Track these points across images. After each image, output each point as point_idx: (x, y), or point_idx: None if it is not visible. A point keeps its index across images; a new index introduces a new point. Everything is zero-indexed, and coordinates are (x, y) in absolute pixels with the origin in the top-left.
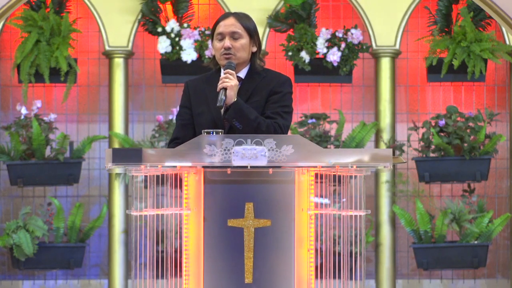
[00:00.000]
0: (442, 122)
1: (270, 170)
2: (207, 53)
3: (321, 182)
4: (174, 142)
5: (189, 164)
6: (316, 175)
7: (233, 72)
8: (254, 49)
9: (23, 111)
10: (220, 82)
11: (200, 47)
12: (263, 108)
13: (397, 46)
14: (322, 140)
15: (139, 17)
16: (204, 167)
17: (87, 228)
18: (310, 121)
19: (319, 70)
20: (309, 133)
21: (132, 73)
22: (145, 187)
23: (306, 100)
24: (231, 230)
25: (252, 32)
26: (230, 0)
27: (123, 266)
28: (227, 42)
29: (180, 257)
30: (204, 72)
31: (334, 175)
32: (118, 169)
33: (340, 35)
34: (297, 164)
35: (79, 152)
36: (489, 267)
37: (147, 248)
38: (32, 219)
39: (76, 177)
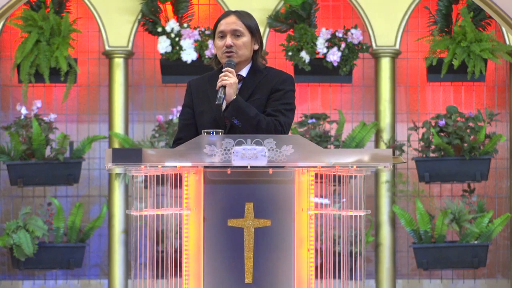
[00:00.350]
0: (442, 122)
1: (270, 170)
2: (207, 53)
3: (321, 182)
4: (176, 143)
5: (189, 164)
6: (316, 175)
7: (233, 70)
8: (256, 47)
9: (23, 111)
10: (219, 80)
11: (200, 47)
12: (265, 105)
13: (397, 46)
14: (322, 140)
15: (139, 17)
16: (204, 167)
17: (87, 228)
18: (310, 121)
19: (319, 70)
20: (309, 133)
21: (132, 73)
22: (145, 187)
23: (306, 100)
24: (231, 230)
25: (253, 30)
26: (230, 0)
27: (123, 266)
28: (229, 40)
29: (180, 257)
30: (203, 72)
31: (334, 175)
32: (118, 169)
33: (340, 35)
34: (297, 164)
35: (79, 152)
36: (489, 267)
37: (147, 248)
38: (32, 219)
39: (76, 177)
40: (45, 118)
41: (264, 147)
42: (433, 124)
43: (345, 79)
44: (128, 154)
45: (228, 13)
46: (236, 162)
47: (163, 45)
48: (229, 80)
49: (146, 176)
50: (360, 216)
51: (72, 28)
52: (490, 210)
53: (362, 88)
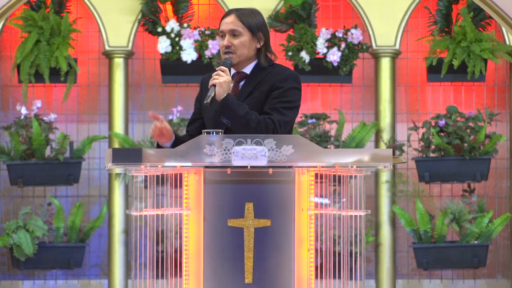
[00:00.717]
0: (442, 122)
1: (270, 170)
2: (207, 53)
3: (321, 182)
4: (185, 135)
5: (189, 164)
6: (316, 175)
7: (226, 69)
8: (259, 45)
9: (23, 111)
10: (211, 79)
11: (200, 47)
12: (263, 103)
13: (397, 46)
14: (322, 140)
15: (139, 17)
16: (204, 167)
17: (87, 228)
18: (310, 121)
19: (319, 70)
20: (309, 133)
21: (132, 73)
22: (145, 187)
23: (306, 100)
24: (231, 230)
25: (253, 29)
26: (230, 0)
27: (123, 266)
28: (226, 40)
29: (180, 257)
30: (203, 72)
31: (334, 175)
32: (118, 169)
33: (340, 35)
34: (297, 164)
35: (79, 152)
36: (489, 267)
37: (147, 248)
38: (32, 219)
39: (76, 177)
40: (45, 118)
41: (264, 147)
42: (433, 124)
43: (345, 79)
44: (128, 154)
45: (228, 12)
46: (236, 162)
47: (163, 45)
48: (219, 79)
49: (146, 176)
50: (360, 216)
51: (72, 28)
52: (490, 210)
53: (362, 88)
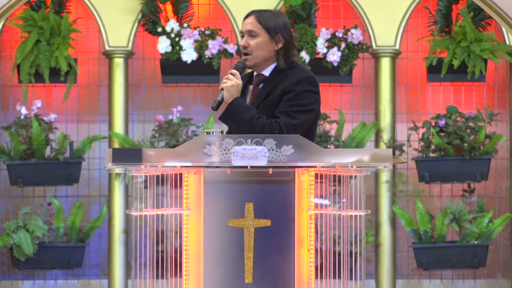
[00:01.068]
0: (442, 122)
1: (270, 170)
2: (207, 53)
3: (321, 182)
4: None
5: (189, 164)
6: (316, 175)
7: (236, 72)
8: (278, 46)
9: (23, 111)
10: (221, 82)
11: (200, 47)
12: (276, 106)
13: (397, 46)
14: (322, 140)
15: (139, 17)
16: (204, 167)
17: (87, 228)
18: None
19: (319, 70)
20: None
21: (132, 73)
22: (145, 187)
23: None
24: (231, 230)
25: (271, 30)
26: (230, 0)
27: (123, 266)
28: (244, 40)
29: (180, 257)
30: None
31: (334, 175)
32: (118, 169)
33: (340, 35)
34: (297, 164)
35: (79, 152)
36: (489, 267)
37: (147, 248)
38: (32, 219)
39: (76, 177)
40: (45, 118)
41: (264, 147)
42: (433, 124)
43: (345, 79)
44: (128, 154)
45: (249, 13)
46: (236, 162)
47: (163, 45)
48: (227, 83)
49: (146, 176)
50: (360, 216)
51: (72, 28)
52: (490, 210)
53: (362, 88)
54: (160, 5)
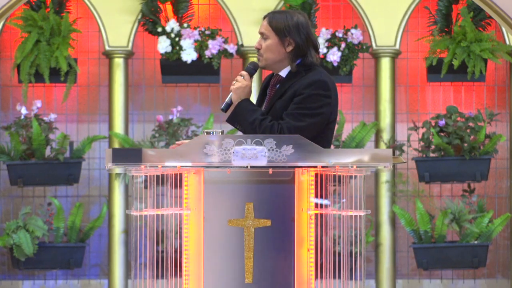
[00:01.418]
0: (442, 122)
1: (270, 170)
2: (207, 53)
3: (321, 182)
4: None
5: (189, 164)
6: (316, 175)
7: (246, 73)
8: (289, 48)
9: (23, 111)
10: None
11: (200, 47)
12: (285, 109)
13: (397, 46)
14: None
15: (139, 17)
16: (204, 167)
17: (87, 228)
18: None
19: None
20: None
21: (132, 73)
22: (145, 187)
23: None
24: (231, 230)
25: (281, 33)
26: (230, 0)
27: (123, 266)
28: (257, 42)
29: (180, 257)
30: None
31: (334, 175)
32: (118, 169)
33: (340, 35)
34: (297, 164)
35: (79, 152)
36: (489, 267)
37: (147, 248)
38: (32, 219)
39: (76, 177)
40: (45, 118)
41: (264, 147)
42: (433, 124)
43: (345, 79)
44: (128, 154)
45: (265, 15)
46: (236, 162)
47: (163, 45)
48: (235, 85)
49: (146, 176)
50: (360, 216)
51: (72, 28)
52: (490, 210)
53: (362, 88)
54: (160, 5)
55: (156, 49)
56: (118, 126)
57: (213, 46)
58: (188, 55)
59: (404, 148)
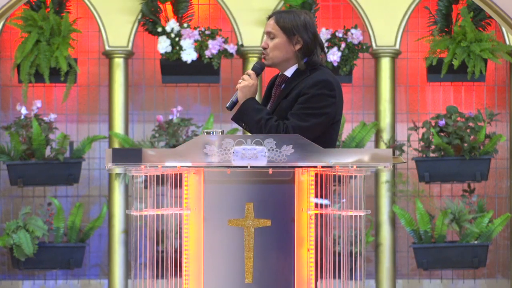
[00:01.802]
0: (442, 122)
1: (270, 170)
2: (207, 53)
3: (321, 182)
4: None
5: (189, 164)
6: (316, 175)
7: (252, 72)
8: (297, 47)
9: (23, 111)
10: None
11: (200, 47)
12: (290, 108)
13: (397, 46)
14: None
15: (139, 17)
16: (204, 167)
17: (87, 228)
18: None
19: None
20: None
21: (132, 73)
22: (145, 187)
23: None
24: (231, 230)
25: (289, 32)
26: (230, 0)
27: (123, 266)
28: (264, 41)
29: (180, 257)
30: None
31: (334, 175)
32: (118, 169)
33: (340, 35)
34: (297, 164)
35: (79, 152)
36: (489, 267)
37: (147, 248)
38: (32, 219)
39: (76, 177)
40: (45, 118)
41: (264, 147)
42: (433, 124)
43: (345, 79)
44: (128, 154)
45: (271, 15)
46: (236, 162)
47: (163, 45)
48: (242, 84)
49: (146, 176)
50: (360, 216)
51: (72, 28)
52: (490, 210)
53: (362, 88)
54: (160, 5)
55: (156, 49)
56: (118, 126)
57: (213, 46)
58: (188, 55)
59: (404, 148)
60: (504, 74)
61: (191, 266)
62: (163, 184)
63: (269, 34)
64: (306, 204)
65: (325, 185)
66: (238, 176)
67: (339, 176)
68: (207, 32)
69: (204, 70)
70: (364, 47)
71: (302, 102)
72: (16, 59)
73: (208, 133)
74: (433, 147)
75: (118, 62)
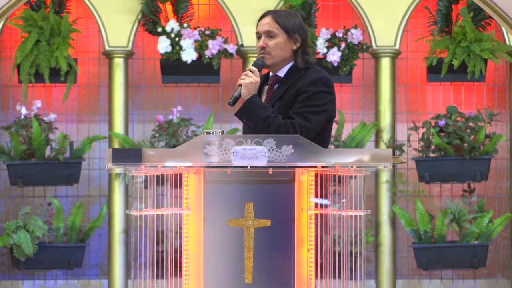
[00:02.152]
0: (442, 122)
1: (270, 170)
2: (207, 53)
3: (321, 182)
4: None
5: (189, 164)
6: (316, 175)
7: (255, 69)
8: (295, 46)
9: (23, 111)
10: (239, 78)
11: (200, 47)
12: (290, 107)
13: (397, 46)
14: None
15: (139, 17)
16: (204, 167)
17: (87, 228)
18: None
19: None
20: None
21: (132, 73)
22: (145, 187)
23: None
24: (231, 230)
25: (289, 30)
26: (230, 0)
27: (123, 266)
28: (261, 41)
29: (180, 257)
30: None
31: (334, 175)
32: (118, 169)
33: (340, 35)
34: (297, 164)
35: (79, 152)
36: (489, 267)
37: (147, 248)
38: (32, 219)
39: (76, 177)
40: (45, 118)
41: (264, 147)
42: (433, 124)
43: (345, 79)
44: (128, 154)
45: (265, 14)
46: (236, 162)
47: (163, 45)
48: (246, 80)
49: (146, 176)
50: (360, 216)
51: (72, 28)
52: (490, 210)
53: (362, 88)
54: (160, 5)
55: (156, 49)
56: (118, 126)
57: (213, 46)
58: (188, 55)
59: (404, 148)
60: (504, 74)
61: (191, 266)
62: (163, 184)
63: (268, 33)
64: (306, 204)
65: (325, 185)
66: (238, 176)
67: (339, 176)
68: (207, 32)
69: (204, 70)
70: (364, 47)
71: (304, 100)
72: (16, 59)
73: (208, 133)
74: (433, 147)
75: (118, 62)
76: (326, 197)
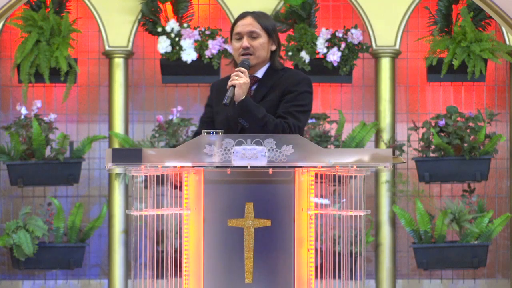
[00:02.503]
0: (442, 122)
1: (270, 170)
2: (207, 53)
3: (321, 182)
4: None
5: (189, 164)
6: (316, 175)
7: (245, 70)
8: (273, 47)
9: (23, 111)
10: (230, 79)
11: (200, 47)
12: (277, 107)
13: (397, 46)
14: (322, 140)
15: (139, 17)
16: (204, 167)
17: (87, 228)
18: (310, 121)
19: (319, 70)
20: (309, 133)
21: (132, 73)
22: (145, 187)
23: None
24: (231, 230)
25: (270, 31)
26: (230, 0)
27: (123, 266)
28: (245, 42)
29: (180, 257)
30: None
31: (334, 175)
32: (118, 169)
33: (340, 35)
34: (297, 164)
35: (79, 152)
36: (489, 267)
37: (147, 248)
38: (32, 219)
39: (76, 177)
40: (45, 118)
41: (264, 147)
42: (433, 124)
43: (345, 79)
44: (128, 154)
45: (244, 14)
46: (236, 162)
47: (163, 45)
48: (239, 80)
49: (146, 176)
50: (360, 216)
51: (72, 28)
52: (490, 210)
53: (362, 88)
54: (160, 5)
55: (156, 49)
56: (118, 126)
57: (213, 46)
58: (188, 55)
59: (404, 148)
60: (504, 74)
61: (191, 266)
62: (163, 184)
63: (251, 34)
64: (306, 204)
65: (325, 185)
66: (238, 176)
67: (339, 176)
68: (207, 32)
69: (204, 70)
70: (364, 47)
71: (291, 100)
72: (16, 59)
73: (208, 133)
74: (433, 147)
75: (118, 62)
76: (326, 197)
